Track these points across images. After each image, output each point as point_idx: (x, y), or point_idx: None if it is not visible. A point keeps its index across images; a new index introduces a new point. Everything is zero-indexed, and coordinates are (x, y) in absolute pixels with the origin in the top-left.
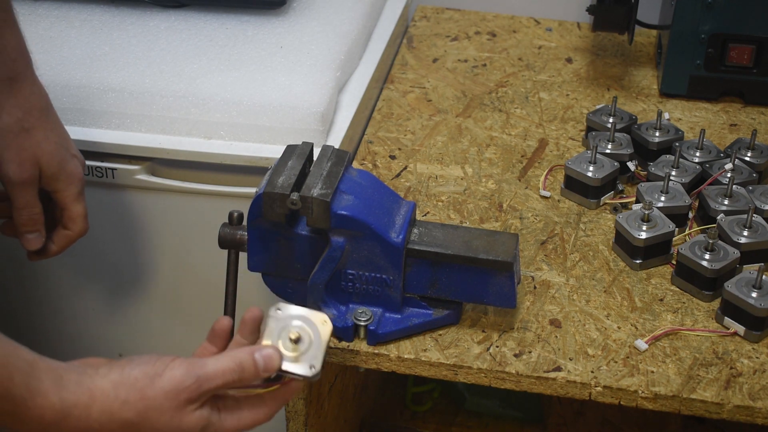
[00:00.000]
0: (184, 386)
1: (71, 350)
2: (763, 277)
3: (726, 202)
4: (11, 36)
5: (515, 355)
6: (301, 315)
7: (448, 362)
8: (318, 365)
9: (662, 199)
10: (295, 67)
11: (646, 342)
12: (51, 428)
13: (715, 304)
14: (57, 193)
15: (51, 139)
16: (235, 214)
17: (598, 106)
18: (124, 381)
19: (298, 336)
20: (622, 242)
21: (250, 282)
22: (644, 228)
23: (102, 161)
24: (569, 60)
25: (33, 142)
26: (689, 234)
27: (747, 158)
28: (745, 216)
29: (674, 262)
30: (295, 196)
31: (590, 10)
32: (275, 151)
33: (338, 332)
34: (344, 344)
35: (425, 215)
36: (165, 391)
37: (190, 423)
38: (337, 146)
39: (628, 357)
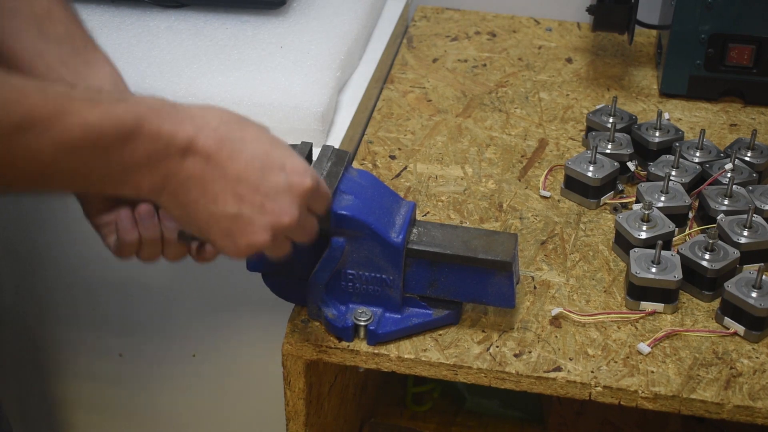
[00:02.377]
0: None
1: (71, 350)
2: (763, 277)
3: (726, 202)
4: (91, 49)
5: (515, 355)
6: None
7: (448, 362)
8: None
9: (662, 199)
10: (295, 67)
11: (648, 345)
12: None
13: (715, 304)
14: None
15: None
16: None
17: (598, 106)
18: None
19: None
20: (622, 242)
21: (250, 282)
22: (644, 228)
23: None
24: (569, 60)
25: None
26: (689, 234)
27: (747, 158)
28: (745, 216)
29: None
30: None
31: (590, 10)
32: None
33: (338, 332)
34: (344, 344)
35: (425, 215)
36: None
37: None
38: (337, 146)
39: (628, 357)
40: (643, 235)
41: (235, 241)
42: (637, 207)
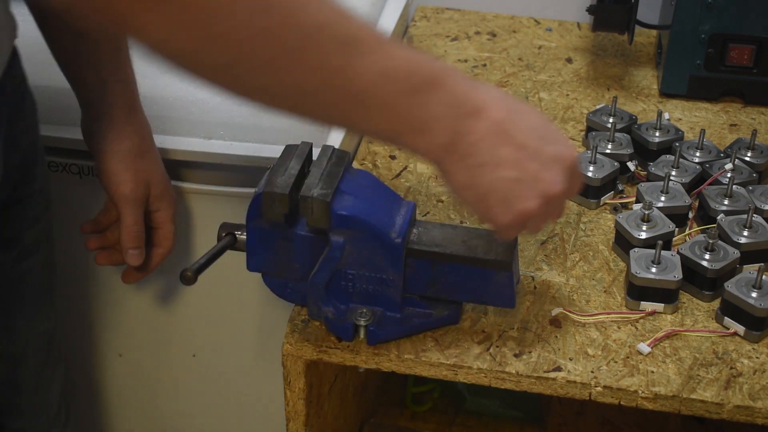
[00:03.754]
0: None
1: (71, 350)
2: (763, 277)
3: (726, 202)
4: (131, 70)
5: (515, 355)
6: None
7: (448, 362)
8: None
9: (662, 199)
10: None
11: (648, 345)
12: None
13: (715, 304)
14: (158, 212)
15: (158, 163)
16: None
17: (598, 106)
18: None
19: None
20: (622, 242)
21: (251, 282)
22: (644, 228)
23: None
24: (569, 60)
25: (146, 164)
26: (689, 234)
27: (747, 158)
28: (745, 216)
29: None
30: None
31: (590, 10)
32: (275, 151)
33: (338, 332)
34: (344, 344)
35: (425, 215)
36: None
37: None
38: (337, 146)
39: (628, 357)
40: (643, 235)
41: (510, 208)
42: (637, 207)
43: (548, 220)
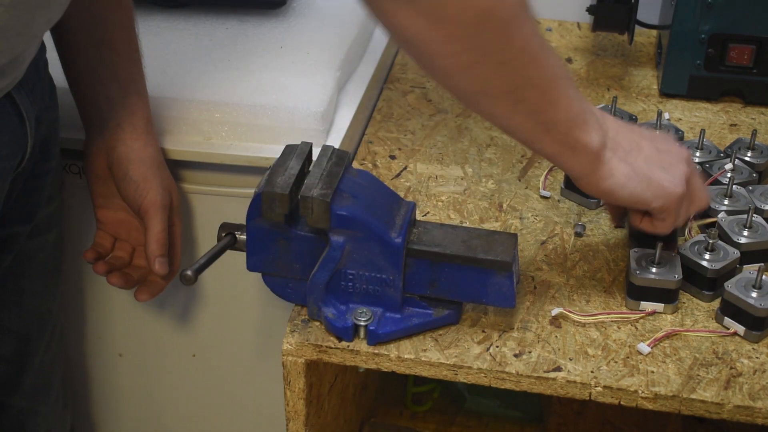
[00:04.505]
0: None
1: (71, 350)
2: (763, 277)
3: (726, 202)
4: (145, 82)
5: (515, 355)
6: None
7: (448, 362)
8: None
9: None
10: (295, 67)
11: (648, 345)
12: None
13: (715, 304)
14: (173, 227)
15: (171, 175)
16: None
17: (598, 106)
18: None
19: None
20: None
21: (251, 282)
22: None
23: None
24: (569, 60)
25: (167, 174)
26: (689, 233)
27: (747, 158)
28: (745, 216)
29: None
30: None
31: (590, 10)
32: (275, 151)
33: (338, 332)
34: (344, 344)
35: (425, 215)
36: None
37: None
38: (337, 146)
39: (628, 357)
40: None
41: (673, 172)
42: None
43: (694, 208)
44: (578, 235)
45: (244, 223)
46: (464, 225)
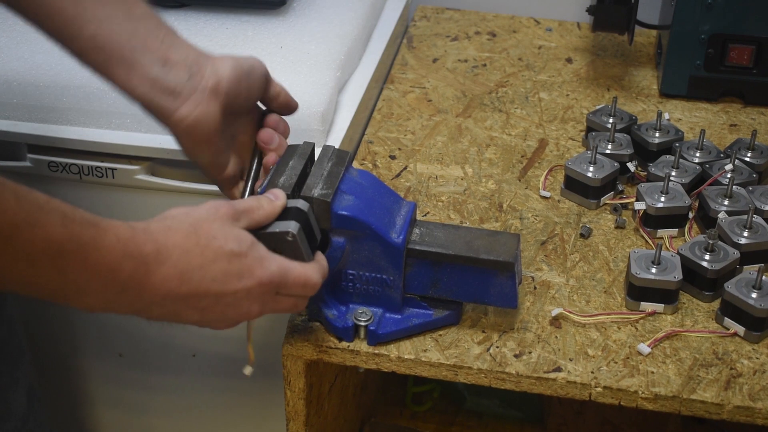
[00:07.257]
0: (219, 204)
1: (70, 350)
2: (763, 277)
3: (726, 202)
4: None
5: (515, 356)
6: None
7: (448, 362)
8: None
9: (662, 199)
10: (295, 67)
11: (648, 345)
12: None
13: (715, 304)
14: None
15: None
16: None
17: (598, 107)
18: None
19: None
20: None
21: None
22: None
23: (102, 161)
24: (569, 60)
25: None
26: (689, 232)
27: (747, 159)
28: (745, 217)
29: None
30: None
31: (590, 10)
32: None
33: (338, 332)
34: (344, 344)
35: (425, 215)
36: (205, 209)
37: (240, 234)
38: (337, 146)
39: (628, 357)
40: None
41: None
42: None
43: (291, 311)
44: (583, 236)
45: None
46: (465, 225)
